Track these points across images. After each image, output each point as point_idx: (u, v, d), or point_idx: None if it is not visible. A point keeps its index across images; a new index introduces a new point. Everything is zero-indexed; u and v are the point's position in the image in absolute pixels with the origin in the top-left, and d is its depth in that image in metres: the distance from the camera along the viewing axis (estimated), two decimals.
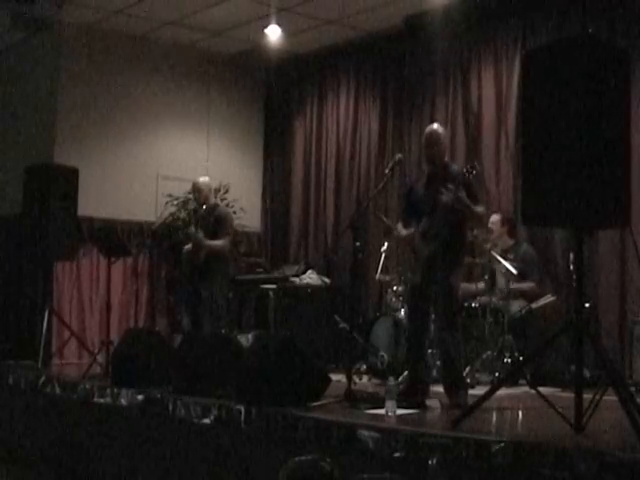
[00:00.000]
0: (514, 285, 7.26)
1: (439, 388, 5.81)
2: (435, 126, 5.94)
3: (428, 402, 5.44)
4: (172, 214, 9.76)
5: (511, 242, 7.63)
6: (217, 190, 9.40)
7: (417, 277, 5.72)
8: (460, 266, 5.73)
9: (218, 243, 7.51)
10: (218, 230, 7.56)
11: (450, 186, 5.45)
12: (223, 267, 7.64)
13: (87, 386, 6.48)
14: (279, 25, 9.12)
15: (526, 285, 7.41)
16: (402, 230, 6.00)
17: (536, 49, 4.96)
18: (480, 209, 5.67)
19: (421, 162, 8.15)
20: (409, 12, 8.89)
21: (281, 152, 10.77)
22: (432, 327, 6.16)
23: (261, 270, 9.58)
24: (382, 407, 5.05)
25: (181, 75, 10.26)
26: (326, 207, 10.06)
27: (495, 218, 7.66)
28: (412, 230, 5.83)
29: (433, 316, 6.03)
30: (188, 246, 7.64)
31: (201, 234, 7.47)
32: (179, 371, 6.01)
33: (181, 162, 10.05)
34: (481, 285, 7.42)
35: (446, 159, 5.86)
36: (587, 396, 4.27)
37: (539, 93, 4.42)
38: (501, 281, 7.26)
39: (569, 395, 4.45)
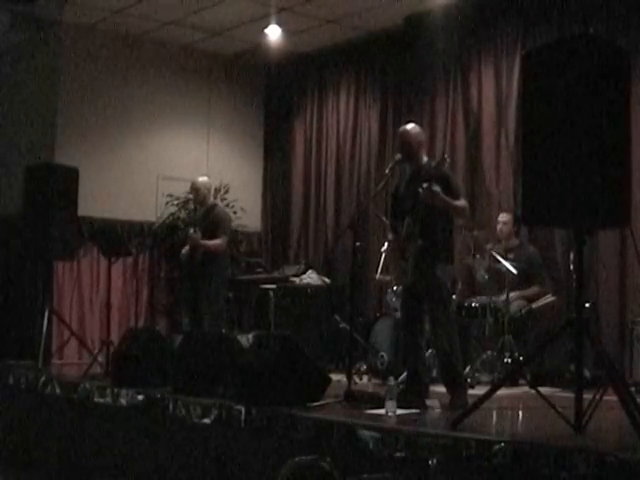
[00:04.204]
0: (518, 292, 7.26)
1: (439, 388, 5.81)
2: (409, 126, 5.89)
3: (428, 402, 5.43)
4: (172, 214, 9.77)
5: (516, 242, 7.64)
6: (217, 190, 9.42)
7: (407, 277, 5.71)
8: (447, 260, 5.70)
9: (215, 243, 7.51)
10: (216, 230, 7.57)
11: (425, 183, 5.48)
12: (221, 267, 7.65)
13: (87, 386, 6.47)
14: (279, 25, 9.12)
15: (531, 290, 7.42)
16: (390, 235, 6.03)
17: (536, 49, 4.95)
18: (460, 202, 5.63)
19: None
20: (409, 12, 8.90)
21: (281, 152, 10.77)
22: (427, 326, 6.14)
23: (261, 270, 9.59)
24: (382, 407, 5.05)
25: (181, 75, 10.26)
26: (326, 207, 10.06)
27: (506, 217, 7.65)
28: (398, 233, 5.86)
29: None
30: (185, 250, 7.64)
31: (198, 235, 7.48)
32: (179, 371, 6.01)
33: (181, 162, 10.05)
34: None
35: (425, 158, 5.83)
36: (587, 396, 4.27)
37: (539, 93, 4.42)
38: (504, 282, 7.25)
39: (569, 395, 4.45)
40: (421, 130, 5.95)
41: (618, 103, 4.37)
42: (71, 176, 8.10)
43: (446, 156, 5.80)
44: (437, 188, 5.43)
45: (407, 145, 5.77)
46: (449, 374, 5.59)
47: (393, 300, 7.48)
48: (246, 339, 7.53)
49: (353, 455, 4.38)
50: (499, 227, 7.65)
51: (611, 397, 4.26)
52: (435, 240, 5.60)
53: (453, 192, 5.59)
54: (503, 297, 7.07)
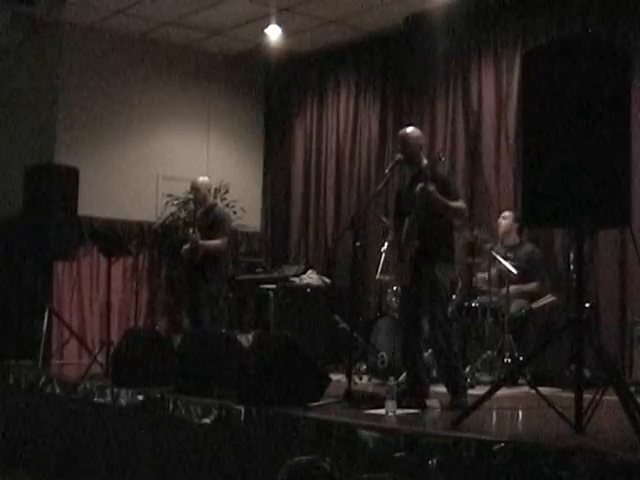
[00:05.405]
0: (517, 286, 7.26)
1: (439, 388, 5.81)
2: (409, 129, 5.89)
3: (428, 402, 5.43)
4: (172, 214, 9.77)
5: (517, 240, 7.65)
6: (217, 190, 9.42)
7: (405, 278, 5.71)
8: (446, 260, 5.68)
9: (215, 243, 7.52)
10: (215, 230, 7.57)
11: (421, 183, 5.48)
12: (221, 267, 7.65)
13: (87, 386, 6.48)
14: (279, 25, 9.12)
15: (530, 286, 7.42)
16: (391, 236, 6.05)
17: (536, 49, 4.95)
18: (457, 204, 5.60)
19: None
20: (409, 12, 8.89)
21: (281, 152, 10.77)
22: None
23: (261, 270, 9.59)
24: (382, 407, 5.05)
25: (181, 75, 10.26)
26: (326, 207, 10.05)
27: (507, 213, 7.69)
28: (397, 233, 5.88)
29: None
30: (186, 247, 7.65)
31: (198, 235, 7.48)
32: (179, 371, 6.01)
33: (181, 162, 10.05)
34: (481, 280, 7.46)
35: (425, 161, 5.81)
36: (587, 396, 4.27)
37: (539, 93, 4.42)
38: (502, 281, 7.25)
39: (569, 395, 4.45)
40: (421, 133, 5.96)
41: (618, 103, 4.37)
42: (71, 176, 8.10)
43: (441, 155, 5.80)
44: (432, 188, 5.44)
45: (407, 148, 5.78)
46: (449, 374, 5.59)
47: (393, 300, 7.48)
48: (246, 339, 7.54)
49: (353, 455, 4.38)
50: (499, 221, 7.67)
51: (611, 397, 4.26)
52: (434, 240, 5.60)
53: (451, 193, 5.59)
54: (503, 290, 7.05)
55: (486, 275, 7.28)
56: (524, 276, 7.35)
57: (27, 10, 9.05)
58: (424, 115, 8.98)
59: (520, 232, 7.69)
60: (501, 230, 7.64)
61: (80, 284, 9.43)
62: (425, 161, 5.82)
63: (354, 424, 4.54)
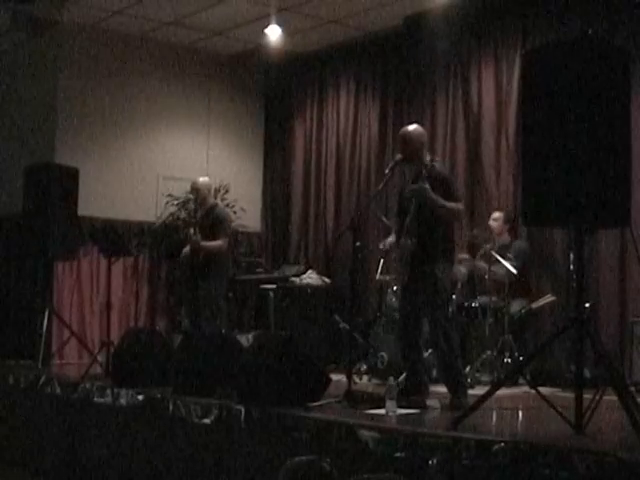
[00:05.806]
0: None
1: (439, 388, 5.81)
2: (410, 127, 5.88)
3: (428, 402, 5.44)
4: (172, 214, 9.76)
5: (509, 239, 7.67)
6: (217, 190, 9.42)
7: (404, 276, 5.71)
8: (446, 259, 5.68)
9: (216, 244, 7.52)
10: (216, 230, 7.58)
11: (415, 182, 5.49)
12: (221, 267, 7.65)
13: (87, 386, 6.47)
14: (279, 25, 9.11)
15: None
16: (391, 238, 6.09)
17: (536, 49, 4.96)
18: (452, 204, 5.58)
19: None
20: (409, 12, 8.89)
21: (281, 152, 10.77)
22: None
23: (261, 270, 9.59)
24: (382, 407, 5.05)
25: (181, 75, 10.26)
26: (326, 207, 10.05)
27: (497, 215, 7.71)
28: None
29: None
30: (187, 248, 7.66)
31: (199, 236, 7.48)
32: (179, 371, 6.01)
33: (181, 162, 10.05)
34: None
35: (427, 159, 5.80)
36: (587, 396, 4.27)
37: (539, 93, 4.42)
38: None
39: (569, 395, 4.46)
40: (423, 131, 5.93)
41: (618, 103, 4.37)
42: (71, 176, 8.10)
43: (434, 156, 5.79)
44: (426, 186, 5.44)
45: (409, 146, 5.76)
46: (449, 374, 5.59)
47: (393, 300, 7.48)
48: (246, 339, 7.56)
49: (353, 455, 4.38)
50: (490, 223, 7.70)
51: (611, 397, 4.26)
52: (434, 240, 5.59)
53: (451, 193, 5.59)
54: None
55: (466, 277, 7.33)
56: (520, 272, 7.36)
57: (27, 10, 9.06)
58: (424, 115, 8.97)
59: (510, 232, 7.73)
60: (492, 232, 7.64)
61: (80, 284, 9.42)
62: (428, 159, 5.82)
63: (354, 424, 4.54)
